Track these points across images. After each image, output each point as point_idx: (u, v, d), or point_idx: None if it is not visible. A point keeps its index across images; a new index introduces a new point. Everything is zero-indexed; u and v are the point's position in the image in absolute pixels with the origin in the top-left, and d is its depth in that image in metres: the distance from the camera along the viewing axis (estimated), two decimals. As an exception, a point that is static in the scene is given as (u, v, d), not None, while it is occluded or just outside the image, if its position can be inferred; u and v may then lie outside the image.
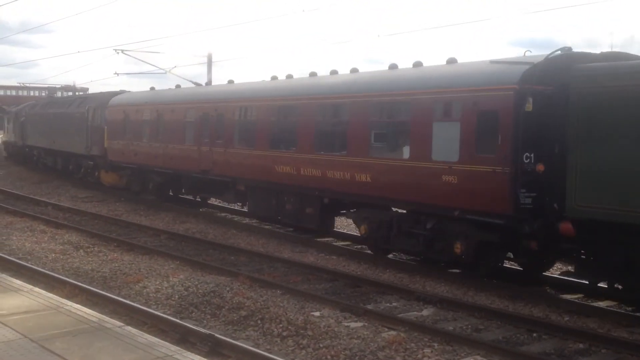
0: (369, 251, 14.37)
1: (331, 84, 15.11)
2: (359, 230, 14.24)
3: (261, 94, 17.19)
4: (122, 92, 26.47)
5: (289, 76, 17.55)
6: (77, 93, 44.99)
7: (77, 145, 27.30)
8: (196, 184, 20.01)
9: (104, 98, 25.97)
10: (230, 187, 18.03)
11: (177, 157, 20.15)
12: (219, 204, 21.81)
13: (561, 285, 11.56)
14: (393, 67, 14.25)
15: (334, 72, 15.82)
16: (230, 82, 19.93)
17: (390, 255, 13.90)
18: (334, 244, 15.51)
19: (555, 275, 12.22)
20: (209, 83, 28.37)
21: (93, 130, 25.78)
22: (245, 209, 19.04)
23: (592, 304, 10.55)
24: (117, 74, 33.89)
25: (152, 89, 24.31)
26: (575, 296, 11.09)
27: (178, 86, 23.13)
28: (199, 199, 21.80)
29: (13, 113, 42.39)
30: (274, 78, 18.10)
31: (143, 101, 22.97)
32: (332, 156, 14.40)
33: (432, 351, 8.29)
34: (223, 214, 20.63)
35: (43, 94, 61.87)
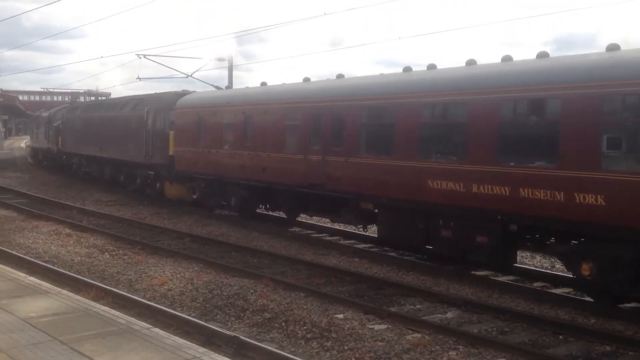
0: (390, 253, 14.17)
1: (534, 70, 11.17)
2: (574, 270, 10.53)
3: (407, 88, 13.35)
4: (187, 92, 23.32)
5: (432, 66, 13.68)
6: (99, 98, 44.84)
7: (133, 152, 24.24)
8: (298, 200, 16.64)
9: (168, 99, 22.97)
10: (351, 206, 14.69)
11: (271, 168, 16.84)
12: (316, 223, 18.49)
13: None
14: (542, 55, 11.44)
15: (507, 59, 12.10)
16: (340, 76, 16.42)
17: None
18: (356, 246, 15.50)
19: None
20: (229, 86, 28.52)
21: (154, 135, 22.88)
22: (368, 233, 16.27)
23: (618, 306, 10.43)
24: (140, 79, 34.10)
25: (220, 88, 23.19)
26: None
27: (264, 84, 19.34)
28: (286, 216, 18.48)
29: (45, 117, 39.19)
30: (407, 70, 14.23)
31: (223, 101, 19.66)
32: (531, 169, 10.67)
33: (457, 354, 8.26)
34: (318, 235, 17.12)
35: (66, 99, 62.21)
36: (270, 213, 19.49)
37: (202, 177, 20.12)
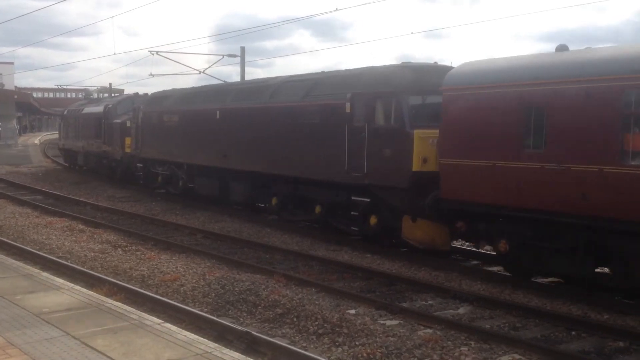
0: (403, 249, 14.19)
1: None
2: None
3: None
4: (446, 67, 13.77)
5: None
6: (112, 95, 42.65)
7: (311, 164, 15.47)
8: None
9: (403, 76, 13.75)
10: None
11: None
12: None
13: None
14: None
15: None
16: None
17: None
18: (368, 242, 15.49)
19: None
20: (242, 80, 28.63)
21: (374, 137, 13.70)
22: None
23: (631, 302, 10.36)
24: (152, 75, 34.19)
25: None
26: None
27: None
28: None
29: (97, 113, 31.03)
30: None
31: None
32: None
33: (469, 349, 8.24)
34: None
35: (80, 96, 61.28)
36: None
37: (517, 214, 11.10)
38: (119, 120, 28.11)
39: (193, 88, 23.11)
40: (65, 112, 38.74)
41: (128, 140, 26.84)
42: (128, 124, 26.96)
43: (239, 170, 18.82)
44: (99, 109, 31.38)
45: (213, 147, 19.91)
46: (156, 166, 24.37)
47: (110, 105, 29.75)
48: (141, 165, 25.44)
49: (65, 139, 37.45)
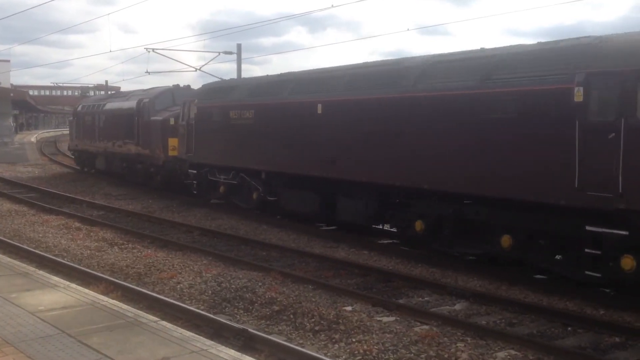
0: (402, 247, 14.07)
1: None
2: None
3: None
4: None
5: None
6: (109, 92, 41.27)
7: (519, 176, 10.76)
8: None
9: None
10: None
11: None
12: None
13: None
14: None
15: None
16: None
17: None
18: (365, 239, 15.50)
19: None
20: (238, 77, 28.50)
21: (628, 145, 9.19)
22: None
23: (628, 297, 10.38)
24: (149, 73, 34.11)
25: None
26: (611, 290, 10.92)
27: None
28: None
29: (128, 109, 26.22)
30: None
31: None
32: None
33: (465, 345, 8.25)
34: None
35: (76, 94, 60.57)
36: None
37: None
38: (159, 118, 23.55)
39: (274, 76, 18.31)
40: (79, 109, 33.68)
41: (173, 142, 22.39)
42: (172, 121, 22.66)
43: (355, 182, 14.32)
44: (129, 104, 26.39)
45: (312, 150, 15.34)
46: (216, 173, 19.69)
47: (147, 100, 24.77)
48: (195, 172, 20.64)
49: (79, 139, 32.51)
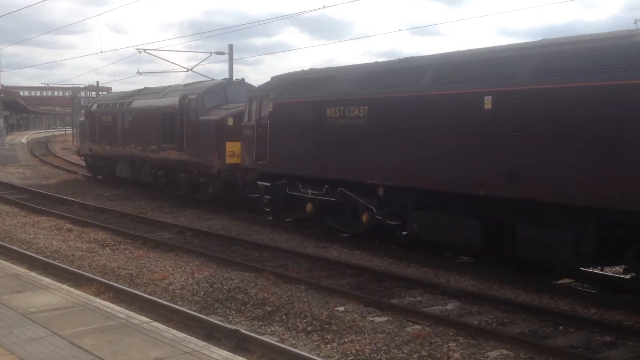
0: (393, 246, 14.09)
1: None
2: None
3: None
4: None
5: None
6: (100, 93, 40.03)
7: None
8: None
9: None
10: None
11: None
12: None
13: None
14: None
15: None
16: None
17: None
18: (358, 239, 15.51)
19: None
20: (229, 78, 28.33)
21: None
22: None
23: (619, 296, 10.43)
24: (140, 73, 33.97)
25: None
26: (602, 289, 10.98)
27: None
28: None
29: (171, 108, 21.84)
30: None
31: None
32: None
33: (457, 345, 8.27)
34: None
35: (67, 94, 60.01)
36: None
37: None
38: (214, 117, 19.70)
39: (398, 62, 13.98)
40: (93, 108, 29.71)
41: (232, 147, 18.65)
42: (230, 122, 19.01)
43: (556, 204, 10.24)
44: (169, 101, 22.39)
45: (470, 159, 11.39)
46: (300, 187, 15.79)
47: (194, 97, 20.74)
48: (267, 184, 16.82)
49: (93, 142, 28.58)
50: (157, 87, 25.07)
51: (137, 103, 25.10)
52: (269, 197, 16.90)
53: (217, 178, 19.48)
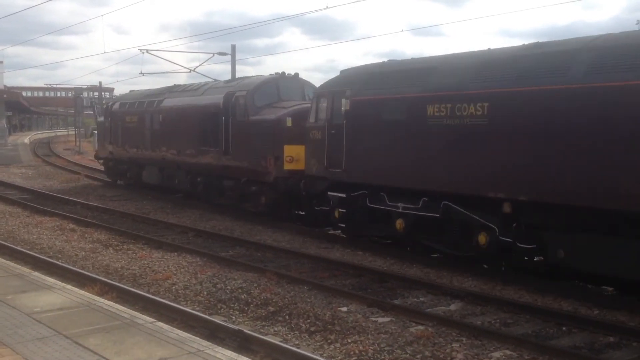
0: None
1: None
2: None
3: None
4: None
5: None
6: (102, 94, 39.99)
7: None
8: None
9: None
10: None
11: None
12: None
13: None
14: None
15: None
16: None
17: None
18: (360, 240, 15.51)
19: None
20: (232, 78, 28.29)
21: None
22: None
23: (622, 297, 10.44)
24: (143, 74, 34.02)
25: None
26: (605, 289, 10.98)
27: None
28: None
29: (213, 106, 19.37)
30: None
31: None
32: None
33: (460, 346, 8.28)
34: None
35: (70, 95, 60.00)
36: None
37: None
38: (269, 117, 17.26)
39: (527, 48, 11.35)
40: (114, 107, 27.42)
41: (293, 151, 16.42)
42: (289, 122, 16.66)
43: None
44: (211, 99, 19.85)
45: None
46: (386, 199, 13.43)
47: (242, 94, 18.23)
48: (342, 195, 14.47)
49: (115, 144, 26.40)
50: (193, 84, 22.86)
51: (169, 102, 22.52)
52: (343, 210, 14.58)
53: (273, 186, 17.07)
